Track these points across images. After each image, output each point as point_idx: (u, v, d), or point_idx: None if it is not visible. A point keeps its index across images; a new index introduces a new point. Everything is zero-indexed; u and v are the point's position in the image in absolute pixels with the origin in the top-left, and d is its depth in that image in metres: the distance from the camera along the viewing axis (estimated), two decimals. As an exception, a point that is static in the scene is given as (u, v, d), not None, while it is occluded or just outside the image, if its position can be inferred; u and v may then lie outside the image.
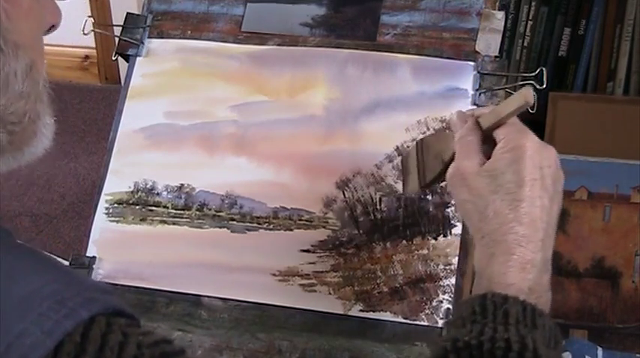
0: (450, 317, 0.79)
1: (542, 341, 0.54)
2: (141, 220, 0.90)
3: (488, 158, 0.64)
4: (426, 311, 0.81)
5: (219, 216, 0.89)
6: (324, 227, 0.86)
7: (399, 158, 0.83)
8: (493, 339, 0.54)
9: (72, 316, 0.44)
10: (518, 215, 0.60)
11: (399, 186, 0.85)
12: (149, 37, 0.98)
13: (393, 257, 0.83)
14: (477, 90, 0.87)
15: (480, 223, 0.62)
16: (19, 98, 0.52)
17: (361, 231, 0.85)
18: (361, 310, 0.82)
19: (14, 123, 0.52)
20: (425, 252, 0.83)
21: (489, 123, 0.66)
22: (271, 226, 0.87)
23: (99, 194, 0.92)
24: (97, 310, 0.45)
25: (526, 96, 0.63)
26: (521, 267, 0.59)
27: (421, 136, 0.77)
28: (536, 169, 0.61)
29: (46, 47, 0.57)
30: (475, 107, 0.85)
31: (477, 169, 0.64)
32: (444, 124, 0.86)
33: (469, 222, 0.64)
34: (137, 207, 0.91)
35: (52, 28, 0.58)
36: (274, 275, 0.85)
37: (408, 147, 0.86)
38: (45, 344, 0.43)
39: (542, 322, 0.56)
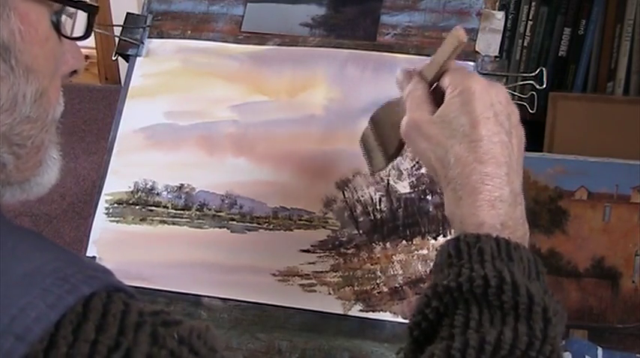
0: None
1: (520, 273, 0.55)
2: (141, 220, 0.90)
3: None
4: (426, 311, 0.81)
5: (219, 216, 0.89)
6: (323, 227, 0.86)
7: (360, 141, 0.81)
8: (471, 278, 0.54)
9: (74, 291, 0.45)
10: (478, 155, 0.60)
11: (399, 187, 0.85)
12: (149, 37, 0.98)
13: (393, 257, 0.83)
14: (476, 90, 0.87)
15: (444, 170, 0.62)
16: (25, 121, 0.52)
17: (361, 231, 0.85)
18: (361, 310, 0.82)
19: (19, 146, 0.53)
20: (425, 252, 0.83)
21: (432, 74, 0.66)
22: (271, 226, 0.87)
23: (99, 194, 0.92)
24: (97, 287, 0.46)
25: (458, 36, 0.63)
26: (490, 204, 0.59)
27: (373, 113, 0.76)
28: (487, 107, 0.62)
29: None
30: None
31: (429, 117, 0.64)
32: None
33: (433, 172, 0.64)
34: (137, 207, 0.91)
35: (75, 73, 0.59)
36: (274, 275, 0.85)
37: (407, 147, 0.85)
38: (49, 317, 0.43)
39: (518, 255, 0.57)
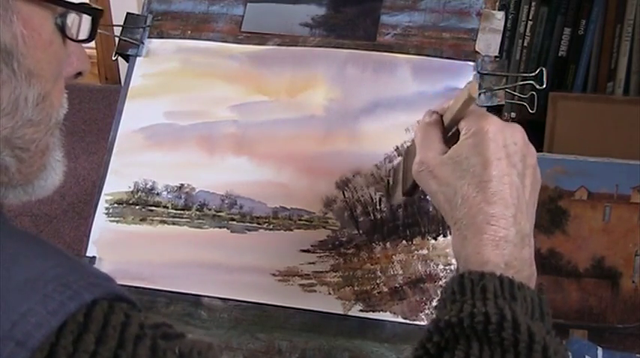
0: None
1: (522, 312, 0.55)
2: (141, 220, 0.90)
3: None
4: (426, 311, 0.81)
5: (219, 216, 0.89)
6: (324, 227, 0.86)
7: (397, 161, 0.83)
8: (472, 315, 0.54)
9: (76, 298, 0.45)
10: (486, 195, 0.60)
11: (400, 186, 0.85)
12: (149, 37, 0.98)
13: (393, 257, 0.83)
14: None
15: (452, 211, 0.62)
16: (28, 124, 0.53)
17: (361, 231, 0.85)
18: (361, 310, 0.82)
19: (22, 149, 0.53)
20: (425, 252, 0.83)
21: (447, 121, 0.67)
22: (271, 226, 0.87)
23: (99, 194, 0.92)
24: (99, 294, 0.46)
25: (470, 90, 0.63)
26: (495, 244, 0.59)
27: (407, 146, 0.78)
28: (499, 148, 0.62)
29: None
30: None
31: (440, 159, 0.64)
32: None
33: (443, 212, 0.64)
34: (137, 207, 0.91)
35: (79, 74, 0.59)
36: (274, 275, 0.85)
37: (407, 148, 0.86)
38: (49, 323, 0.43)
39: (522, 294, 0.56)
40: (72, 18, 0.55)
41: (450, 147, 0.65)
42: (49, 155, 0.56)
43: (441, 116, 0.69)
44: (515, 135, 0.63)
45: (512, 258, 0.59)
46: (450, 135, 0.68)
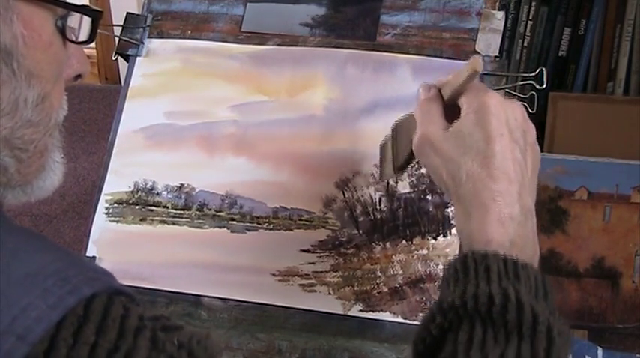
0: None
1: (526, 292, 0.55)
2: (141, 220, 0.90)
3: None
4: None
5: (219, 216, 0.89)
6: (323, 227, 0.86)
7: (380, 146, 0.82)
8: (476, 296, 0.54)
9: (75, 292, 0.45)
10: (490, 171, 0.60)
11: (400, 186, 0.85)
12: (149, 37, 0.98)
13: (393, 257, 0.83)
14: (476, 90, 0.87)
15: (455, 186, 0.62)
16: (27, 125, 0.53)
17: (361, 231, 0.85)
18: (361, 310, 0.82)
19: (21, 149, 0.53)
20: (425, 252, 0.83)
21: (447, 94, 0.66)
22: (271, 226, 0.87)
23: (99, 194, 0.92)
24: (99, 288, 0.46)
25: (474, 64, 0.63)
26: (500, 222, 0.58)
27: (394, 121, 0.77)
28: (502, 124, 0.61)
29: None
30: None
31: (442, 133, 0.64)
32: None
33: (444, 188, 0.64)
34: (137, 207, 0.91)
35: (79, 77, 0.59)
36: (274, 275, 0.85)
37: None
38: (49, 317, 0.44)
39: (525, 274, 0.56)
40: (72, 20, 0.55)
41: (450, 122, 0.65)
42: (47, 156, 0.56)
43: (439, 90, 0.68)
44: (516, 111, 0.63)
45: (516, 236, 0.58)
46: (449, 109, 0.67)
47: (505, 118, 0.62)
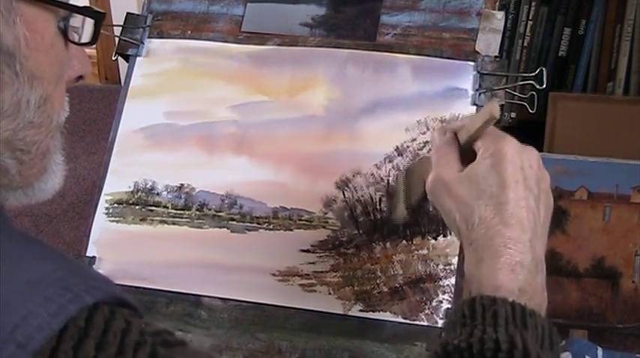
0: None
1: (533, 341, 0.54)
2: (141, 220, 0.90)
3: None
4: (426, 311, 0.81)
5: (219, 216, 0.89)
6: (324, 227, 0.86)
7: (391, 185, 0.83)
8: (482, 340, 0.54)
9: (76, 301, 0.45)
10: (503, 218, 0.60)
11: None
12: (149, 37, 0.98)
13: (393, 257, 0.83)
14: (476, 90, 0.87)
15: (468, 231, 0.62)
16: (29, 127, 0.53)
17: (361, 231, 0.85)
18: (361, 310, 0.82)
19: (23, 151, 0.53)
20: (425, 252, 0.83)
21: (464, 139, 0.67)
22: (271, 226, 0.87)
23: (99, 194, 0.92)
24: (100, 297, 0.46)
25: (491, 110, 0.63)
26: (510, 269, 0.58)
27: (406, 164, 0.78)
28: (517, 170, 0.61)
29: None
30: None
31: (457, 175, 0.64)
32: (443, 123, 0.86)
33: (456, 231, 0.64)
34: (137, 207, 0.91)
35: (81, 78, 0.59)
36: (274, 275, 0.85)
37: (407, 147, 0.86)
38: (50, 326, 0.43)
39: (533, 322, 0.56)
40: (74, 21, 0.55)
41: (465, 166, 0.65)
42: (49, 158, 0.56)
43: (455, 134, 0.68)
44: (532, 158, 0.63)
45: (526, 284, 0.58)
46: (464, 153, 0.67)
47: (520, 165, 0.62)
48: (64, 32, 0.54)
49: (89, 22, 0.57)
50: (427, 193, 0.68)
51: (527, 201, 0.61)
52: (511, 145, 0.63)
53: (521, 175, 0.61)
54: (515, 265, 0.59)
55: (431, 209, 0.83)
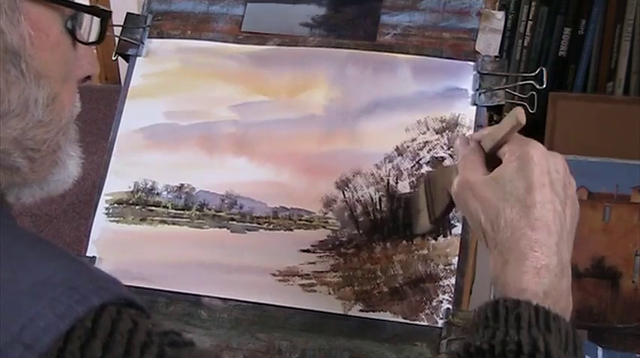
0: (450, 317, 0.79)
1: (556, 345, 0.54)
2: (141, 220, 0.90)
3: None
4: (426, 311, 0.81)
5: (219, 216, 0.89)
6: (324, 227, 0.86)
7: (409, 198, 0.83)
8: (504, 342, 0.54)
9: (84, 302, 0.45)
10: (529, 220, 0.60)
11: (400, 186, 0.85)
12: (149, 37, 0.98)
13: (393, 257, 0.83)
14: (476, 90, 0.87)
15: (493, 233, 0.62)
16: (38, 125, 0.53)
17: (361, 231, 0.85)
18: (361, 310, 0.82)
19: (33, 150, 0.53)
20: (425, 252, 0.83)
21: (489, 146, 0.67)
22: (271, 226, 0.87)
23: (99, 194, 0.92)
24: (107, 298, 0.46)
25: (518, 116, 0.63)
26: (535, 272, 0.58)
27: (427, 173, 0.77)
28: (544, 174, 0.61)
29: None
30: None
31: (483, 178, 0.64)
32: (444, 125, 0.86)
33: (481, 234, 0.64)
34: (137, 207, 0.91)
35: (88, 78, 0.59)
36: (274, 275, 0.85)
37: (407, 147, 0.86)
38: (58, 327, 0.43)
39: (557, 326, 0.56)
40: (81, 21, 0.55)
41: (491, 171, 0.65)
42: (60, 152, 0.56)
43: (478, 142, 0.68)
44: (558, 163, 0.63)
45: (551, 287, 0.58)
46: (489, 160, 0.67)
47: (547, 169, 0.62)
48: (71, 31, 0.54)
49: (95, 21, 0.57)
50: (453, 197, 0.67)
51: (554, 205, 0.61)
52: (538, 149, 0.63)
53: (547, 179, 0.61)
54: (541, 268, 0.58)
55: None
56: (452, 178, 0.68)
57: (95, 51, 0.61)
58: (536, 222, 0.60)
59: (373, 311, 0.82)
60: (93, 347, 0.44)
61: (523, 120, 0.63)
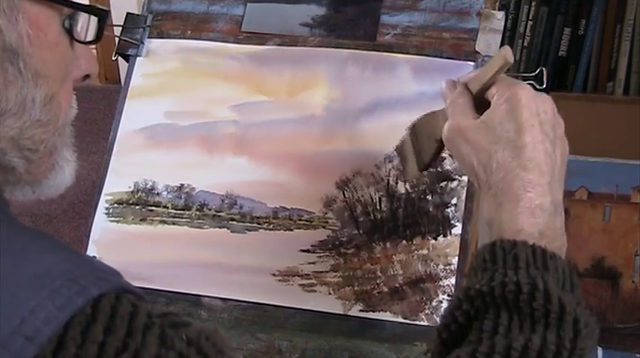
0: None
1: (554, 283, 0.55)
2: (141, 220, 0.90)
3: None
4: (426, 311, 0.81)
5: (219, 216, 0.89)
6: (324, 227, 0.86)
7: (396, 147, 0.83)
8: (503, 284, 0.54)
9: (83, 293, 0.45)
10: (521, 161, 0.60)
11: (400, 187, 0.85)
12: (149, 37, 0.98)
13: (393, 257, 0.83)
14: (476, 90, 0.87)
15: (486, 175, 0.62)
16: (36, 125, 0.53)
17: (361, 231, 0.85)
18: (361, 310, 0.82)
19: (31, 150, 0.53)
20: (425, 252, 0.83)
21: (476, 88, 0.67)
22: (271, 226, 0.87)
23: (99, 194, 0.92)
24: (107, 289, 0.46)
25: (505, 55, 0.63)
26: (530, 212, 0.59)
27: (412, 122, 0.77)
28: (533, 115, 0.62)
29: None
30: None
31: (473, 122, 0.64)
32: None
33: (474, 177, 0.64)
34: (137, 207, 0.91)
35: (87, 77, 0.59)
36: (274, 275, 0.85)
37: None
38: (58, 318, 0.44)
39: (554, 264, 0.56)
40: (79, 20, 0.55)
41: (480, 114, 0.65)
42: (57, 155, 0.57)
43: (466, 85, 0.68)
44: (547, 104, 0.64)
45: (546, 227, 0.59)
46: (477, 103, 0.67)
47: (536, 110, 0.62)
48: (69, 31, 0.54)
49: (93, 21, 0.57)
50: (444, 142, 0.68)
51: (544, 145, 0.61)
52: (526, 91, 0.63)
53: (537, 120, 0.62)
54: (535, 208, 0.59)
55: (430, 209, 0.83)
56: (438, 124, 0.69)
57: (95, 51, 0.61)
58: (528, 162, 0.60)
59: (373, 311, 0.82)
60: (94, 332, 0.44)
61: (511, 59, 0.63)
